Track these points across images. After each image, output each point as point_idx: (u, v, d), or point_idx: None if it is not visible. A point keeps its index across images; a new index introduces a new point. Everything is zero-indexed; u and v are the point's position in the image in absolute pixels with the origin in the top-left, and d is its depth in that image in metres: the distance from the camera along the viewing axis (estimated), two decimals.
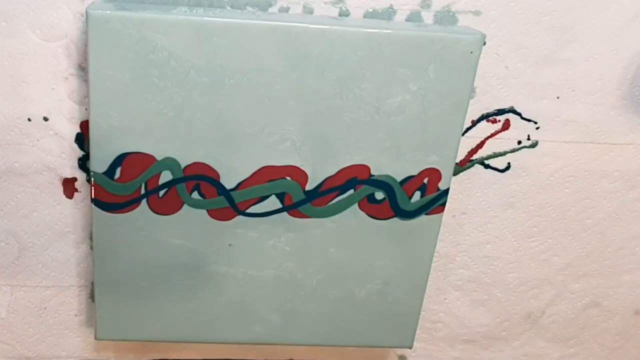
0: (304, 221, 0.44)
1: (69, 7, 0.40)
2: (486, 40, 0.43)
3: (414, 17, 0.43)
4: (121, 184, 0.42)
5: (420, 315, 0.50)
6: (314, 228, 0.44)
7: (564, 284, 0.54)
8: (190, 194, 0.42)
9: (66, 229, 0.47)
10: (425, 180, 0.43)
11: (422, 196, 0.44)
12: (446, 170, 0.43)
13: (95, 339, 0.47)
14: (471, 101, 0.45)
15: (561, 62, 0.45)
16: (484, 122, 0.47)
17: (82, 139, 0.44)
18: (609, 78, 0.46)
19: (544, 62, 0.45)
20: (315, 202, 0.43)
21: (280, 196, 0.43)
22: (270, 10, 0.42)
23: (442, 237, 0.50)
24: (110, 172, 0.41)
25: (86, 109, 0.43)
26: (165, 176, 0.42)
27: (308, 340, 0.49)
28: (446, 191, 0.44)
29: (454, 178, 0.48)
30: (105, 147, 0.41)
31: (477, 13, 0.43)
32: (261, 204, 0.43)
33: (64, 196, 0.46)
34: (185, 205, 0.43)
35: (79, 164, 0.45)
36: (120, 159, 0.41)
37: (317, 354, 0.55)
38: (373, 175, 0.43)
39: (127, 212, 0.43)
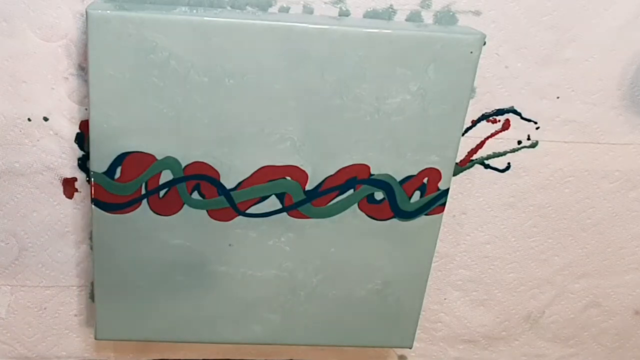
0: (304, 221, 0.44)
1: (69, 7, 0.40)
2: (486, 40, 0.43)
3: (414, 17, 0.43)
4: (121, 183, 0.42)
5: (420, 315, 0.50)
6: (313, 228, 0.44)
7: (564, 284, 0.54)
8: (191, 194, 0.42)
9: (66, 229, 0.47)
10: (425, 180, 0.43)
11: (421, 196, 0.44)
12: (446, 170, 0.43)
13: (95, 339, 0.47)
14: (471, 101, 0.45)
15: (561, 62, 0.45)
16: (484, 122, 0.47)
17: (82, 139, 0.44)
18: (609, 78, 0.46)
19: (544, 62, 0.45)
20: (315, 203, 0.43)
21: (280, 196, 0.43)
22: (270, 10, 0.42)
23: (442, 237, 0.50)
24: (110, 172, 0.41)
25: (86, 109, 0.43)
26: (166, 176, 0.42)
27: (308, 340, 0.49)
28: (446, 191, 0.44)
29: (454, 178, 0.48)
30: (105, 147, 0.41)
31: (477, 13, 0.43)
32: (261, 204, 0.43)
33: (64, 196, 0.46)
34: (185, 206, 0.43)
35: (79, 164, 0.45)
36: (120, 159, 0.41)
37: (317, 354, 0.55)
38: (373, 175, 0.43)
39: (127, 212, 0.43)
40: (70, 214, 0.47)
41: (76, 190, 0.46)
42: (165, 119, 0.40)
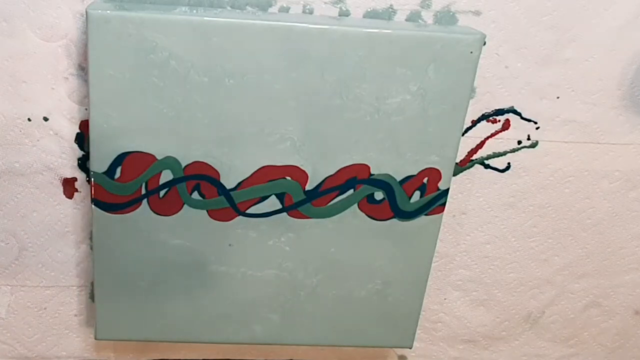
0: (304, 221, 0.44)
1: (69, 7, 0.40)
2: (486, 40, 0.43)
3: (414, 17, 0.43)
4: (121, 183, 0.42)
5: (420, 315, 0.50)
6: (313, 228, 0.44)
7: (564, 284, 0.54)
8: (191, 194, 0.42)
9: (66, 229, 0.47)
10: (425, 180, 0.43)
11: (421, 196, 0.44)
12: (446, 170, 0.43)
13: (95, 339, 0.47)
14: (471, 101, 0.45)
15: (561, 62, 0.45)
16: (484, 122, 0.47)
17: (82, 139, 0.44)
18: (609, 78, 0.46)
19: (544, 62, 0.45)
20: (315, 203, 0.43)
21: (280, 196, 0.43)
22: (270, 10, 0.42)
23: (442, 237, 0.50)
24: (110, 171, 0.41)
25: (86, 109, 0.43)
26: (166, 175, 0.42)
27: (308, 340, 0.49)
28: (446, 191, 0.44)
29: (454, 178, 0.48)
30: (105, 147, 0.41)
31: (477, 13, 0.43)
32: (261, 204, 0.43)
33: (64, 196, 0.46)
34: (185, 206, 0.43)
35: (79, 164, 0.45)
36: (120, 159, 0.41)
37: (317, 354, 0.55)
38: (373, 175, 0.43)
39: (127, 212, 0.43)
40: (70, 214, 0.47)
41: (76, 190, 0.46)
42: (165, 119, 0.40)
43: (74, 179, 0.46)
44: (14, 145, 0.44)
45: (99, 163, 0.41)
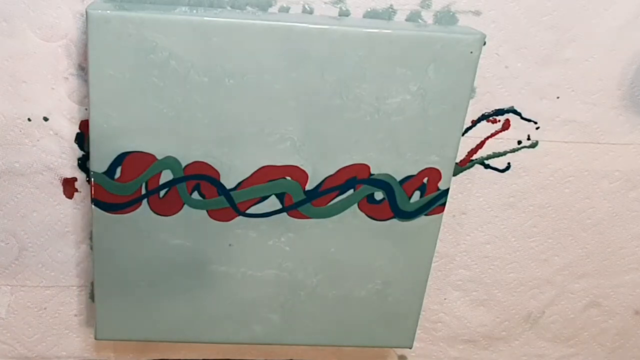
0: (304, 221, 0.44)
1: (69, 7, 0.40)
2: (486, 40, 0.43)
3: (414, 17, 0.43)
4: (121, 183, 0.42)
5: (420, 315, 0.50)
6: (313, 228, 0.44)
7: (564, 284, 0.54)
8: (191, 194, 0.42)
9: (66, 229, 0.47)
10: (425, 180, 0.43)
11: (421, 196, 0.44)
12: (446, 170, 0.43)
13: (95, 339, 0.47)
14: (471, 101, 0.45)
15: (561, 62, 0.45)
16: (484, 122, 0.47)
17: (82, 139, 0.44)
18: (609, 78, 0.46)
19: (544, 62, 0.45)
20: (315, 203, 0.43)
21: (280, 196, 0.43)
22: (270, 10, 0.42)
23: (442, 237, 0.50)
24: (110, 171, 0.41)
25: (86, 109, 0.43)
26: (166, 175, 0.42)
27: (308, 340, 0.49)
28: (446, 191, 0.44)
29: (454, 178, 0.48)
30: (105, 147, 0.41)
31: (477, 13, 0.43)
32: (261, 204, 0.43)
33: (64, 196, 0.46)
34: (185, 206, 0.43)
35: (79, 164, 0.45)
36: (120, 159, 0.41)
37: (317, 354, 0.55)
38: (373, 175, 0.43)
39: (127, 212, 0.43)
40: (70, 214, 0.47)
41: (76, 190, 0.46)
42: (165, 119, 0.40)
43: (74, 179, 0.46)
44: (14, 145, 0.44)
45: (99, 163, 0.41)
